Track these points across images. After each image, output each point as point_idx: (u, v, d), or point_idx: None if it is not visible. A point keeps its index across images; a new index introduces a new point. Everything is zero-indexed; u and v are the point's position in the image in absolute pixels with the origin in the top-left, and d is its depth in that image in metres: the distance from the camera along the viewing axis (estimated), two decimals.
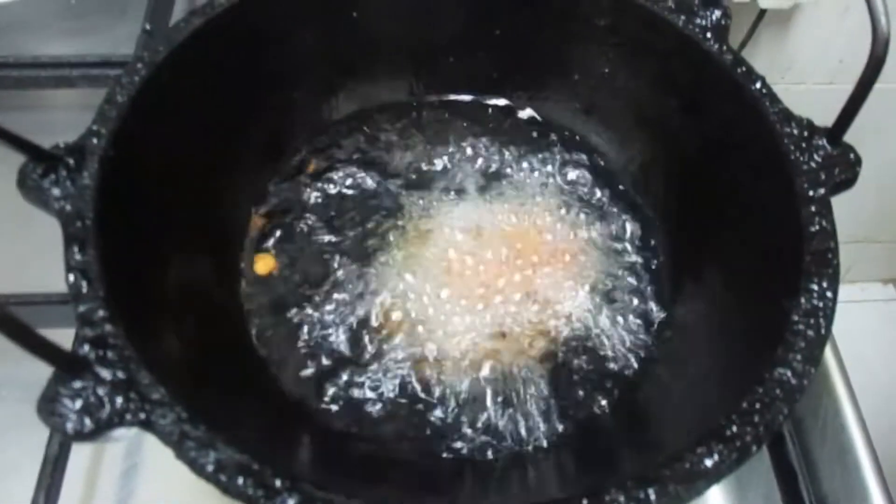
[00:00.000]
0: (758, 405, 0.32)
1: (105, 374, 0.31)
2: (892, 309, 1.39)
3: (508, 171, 0.53)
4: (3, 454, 0.47)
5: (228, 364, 0.41)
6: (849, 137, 0.41)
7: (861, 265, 1.37)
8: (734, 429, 0.31)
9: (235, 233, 0.47)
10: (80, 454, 0.45)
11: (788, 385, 0.32)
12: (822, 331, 0.34)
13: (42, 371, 0.31)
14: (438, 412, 0.43)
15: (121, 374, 0.31)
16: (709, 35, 0.45)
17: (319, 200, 0.51)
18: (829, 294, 0.35)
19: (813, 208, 0.38)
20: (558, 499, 0.29)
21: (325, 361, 0.44)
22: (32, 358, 0.30)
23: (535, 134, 0.55)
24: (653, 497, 0.29)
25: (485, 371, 0.44)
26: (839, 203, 0.41)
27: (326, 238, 0.50)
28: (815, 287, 0.35)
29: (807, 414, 0.48)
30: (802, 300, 0.35)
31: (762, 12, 1.02)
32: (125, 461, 0.47)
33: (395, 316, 0.46)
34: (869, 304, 1.39)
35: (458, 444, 0.42)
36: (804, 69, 1.12)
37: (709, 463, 0.30)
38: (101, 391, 0.31)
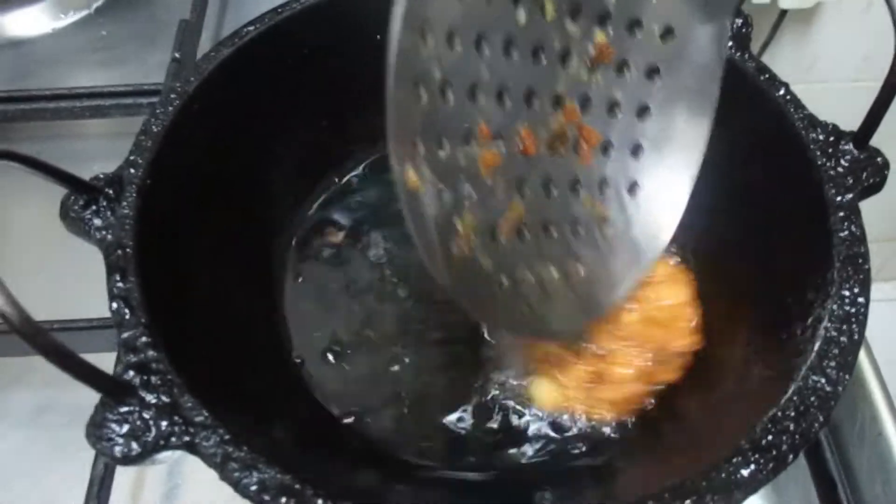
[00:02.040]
0: (792, 413, 0.32)
1: (150, 398, 0.32)
2: None
3: None
4: (48, 477, 0.48)
5: (271, 384, 0.42)
6: (883, 134, 0.41)
7: (893, 263, 1.35)
8: (770, 438, 0.31)
9: (274, 255, 0.48)
10: (123, 475, 0.46)
11: (823, 392, 0.32)
12: (856, 336, 0.34)
13: (84, 396, 0.31)
14: (474, 428, 0.43)
15: (165, 398, 0.32)
16: (730, 43, 0.45)
17: (356, 222, 0.52)
18: (860, 300, 0.35)
19: (841, 213, 0.38)
20: None
21: (366, 380, 0.45)
22: (74, 384, 0.31)
23: None
24: None
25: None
26: (868, 200, 0.41)
27: (368, 258, 0.50)
28: (847, 293, 0.35)
29: (844, 420, 0.47)
30: (835, 307, 0.35)
31: (783, 13, 1.02)
32: (167, 482, 0.48)
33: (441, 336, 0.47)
34: None
35: (494, 462, 0.42)
36: (828, 67, 1.11)
37: (745, 473, 0.30)
38: (146, 415, 0.31)
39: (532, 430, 0.43)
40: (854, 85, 1.12)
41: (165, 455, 0.32)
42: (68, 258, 0.54)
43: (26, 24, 0.72)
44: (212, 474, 0.31)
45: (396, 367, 0.46)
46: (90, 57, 0.70)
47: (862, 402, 0.47)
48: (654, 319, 0.44)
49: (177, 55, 0.60)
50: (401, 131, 0.32)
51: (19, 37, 0.71)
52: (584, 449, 0.42)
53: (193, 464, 0.48)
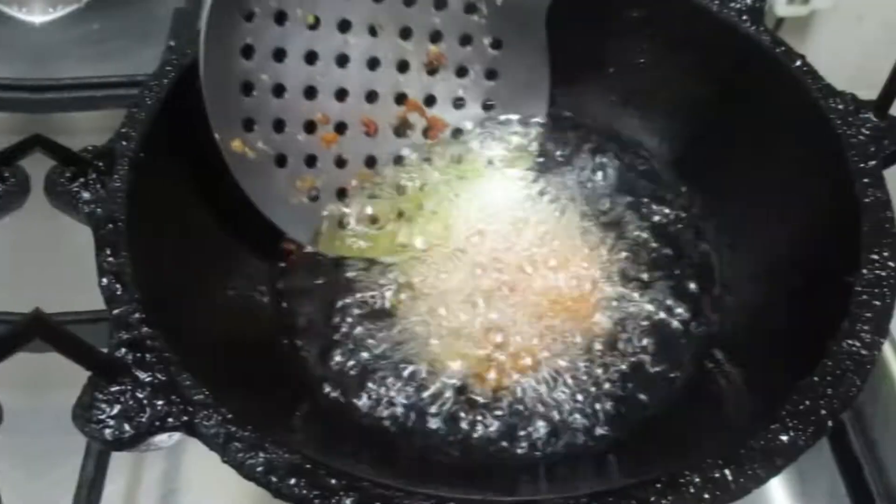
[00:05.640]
0: (829, 378, 0.31)
1: (144, 376, 0.30)
2: None
3: (546, 169, 0.51)
4: (37, 482, 0.46)
5: (272, 362, 0.40)
6: None
7: None
8: (807, 403, 0.30)
9: (267, 229, 0.46)
10: (116, 481, 0.44)
11: (858, 356, 0.31)
12: (888, 299, 0.33)
13: (75, 397, 0.30)
14: (483, 410, 0.40)
15: (161, 376, 0.30)
16: (745, 17, 0.45)
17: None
18: (891, 263, 0.34)
19: (866, 180, 0.38)
20: (633, 483, 0.28)
21: (366, 357, 0.42)
22: (64, 384, 0.30)
23: (571, 129, 0.53)
24: (730, 477, 0.27)
25: (544, 355, 0.42)
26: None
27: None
28: (877, 257, 0.35)
29: (866, 402, 0.46)
30: (865, 271, 0.34)
31: (779, 21, 1.02)
32: (163, 485, 0.45)
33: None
34: None
35: (518, 441, 0.39)
36: (824, 76, 1.11)
37: (784, 439, 0.29)
38: (140, 394, 0.30)
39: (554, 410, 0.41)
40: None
41: (161, 438, 0.30)
42: (55, 254, 0.52)
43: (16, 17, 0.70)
44: (210, 476, 0.30)
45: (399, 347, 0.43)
46: (81, 51, 0.68)
47: (882, 382, 0.46)
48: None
49: (172, 43, 0.59)
50: (220, 119, 0.39)
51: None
52: (610, 427, 0.39)
53: (190, 467, 0.46)
